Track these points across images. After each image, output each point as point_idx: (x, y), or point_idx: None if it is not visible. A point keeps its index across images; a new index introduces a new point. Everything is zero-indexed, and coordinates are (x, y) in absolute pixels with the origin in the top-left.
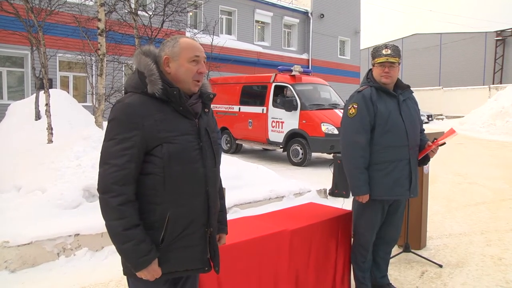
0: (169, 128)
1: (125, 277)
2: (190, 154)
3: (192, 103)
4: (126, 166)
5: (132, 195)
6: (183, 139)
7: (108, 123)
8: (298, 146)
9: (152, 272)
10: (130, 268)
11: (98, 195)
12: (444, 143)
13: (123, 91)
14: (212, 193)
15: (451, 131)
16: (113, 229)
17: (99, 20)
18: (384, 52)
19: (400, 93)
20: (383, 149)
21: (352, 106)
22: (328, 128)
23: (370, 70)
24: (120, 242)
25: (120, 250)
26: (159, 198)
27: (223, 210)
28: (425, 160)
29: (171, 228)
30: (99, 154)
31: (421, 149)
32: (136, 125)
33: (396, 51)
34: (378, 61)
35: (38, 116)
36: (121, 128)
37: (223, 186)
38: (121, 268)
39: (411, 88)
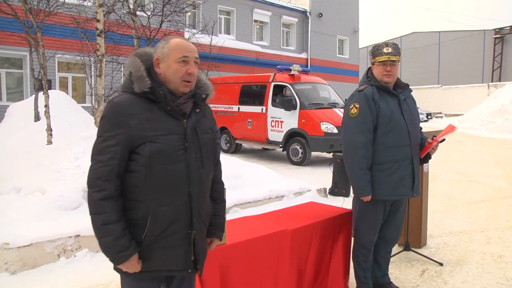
0: (154, 127)
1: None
2: (173, 154)
3: (180, 103)
4: (110, 163)
5: (114, 191)
6: (167, 139)
7: (99, 121)
8: (297, 145)
9: (130, 267)
10: None
11: None
12: (444, 140)
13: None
14: (196, 195)
15: (450, 127)
16: (94, 223)
17: (98, 20)
18: (385, 50)
19: (400, 92)
20: (386, 148)
21: (354, 105)
22: (327, 127)
23: (370, 68)
24: (99, 235)
25: (100, 244)
26: (142, 196)
27: (219, 214)
28: (427, 158)
29: (153, 227)
30: None
31: (421, 147)
32: (121, 124)
33: (396, 49)
34: (379, 60)
35: (37, 117)
36: (108, 126)
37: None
38: None
39: (410, 87)
